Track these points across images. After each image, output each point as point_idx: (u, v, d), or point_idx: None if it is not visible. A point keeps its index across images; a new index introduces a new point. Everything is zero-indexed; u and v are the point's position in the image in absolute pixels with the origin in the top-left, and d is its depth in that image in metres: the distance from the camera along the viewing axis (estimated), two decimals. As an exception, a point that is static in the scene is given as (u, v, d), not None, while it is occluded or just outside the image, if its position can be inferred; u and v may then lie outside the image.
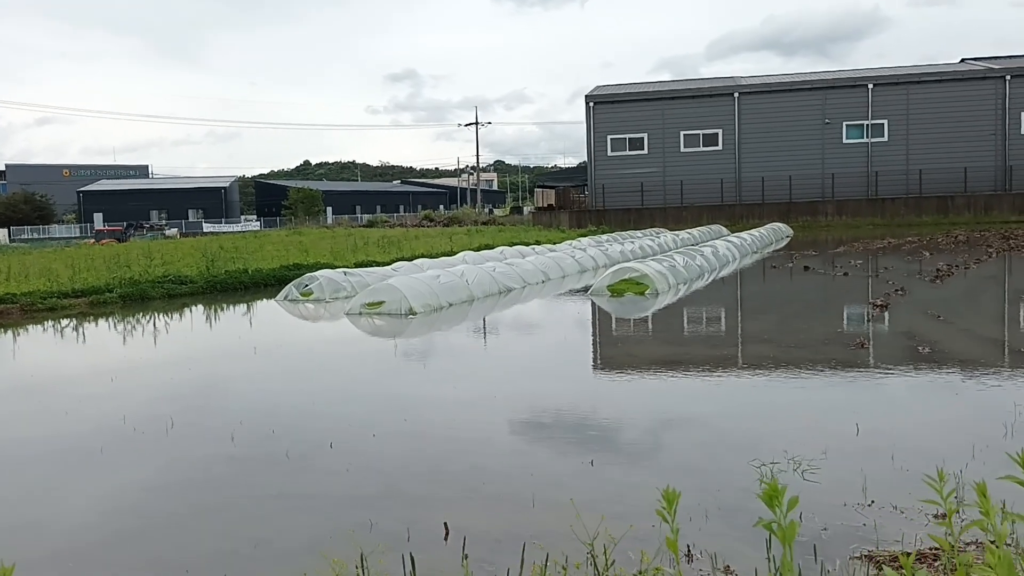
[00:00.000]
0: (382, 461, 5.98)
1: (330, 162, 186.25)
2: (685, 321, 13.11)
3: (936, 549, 3.95)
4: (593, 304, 14.94)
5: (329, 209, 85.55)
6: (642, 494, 5.10)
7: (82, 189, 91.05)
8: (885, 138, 45.51)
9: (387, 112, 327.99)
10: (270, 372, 9.78)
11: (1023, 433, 5.99)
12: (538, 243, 29.22)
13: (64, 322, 14.60)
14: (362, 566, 3.94)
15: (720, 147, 47.40)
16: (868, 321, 11.82)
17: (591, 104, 48.61)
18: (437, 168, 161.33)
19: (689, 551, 4.12)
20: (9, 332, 13.90)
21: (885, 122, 45.47)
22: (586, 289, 16.77)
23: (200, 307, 16.44)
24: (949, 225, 38.59)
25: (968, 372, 8.25)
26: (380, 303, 14.08)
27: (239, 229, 72.95)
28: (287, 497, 5.27)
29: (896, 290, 14.71)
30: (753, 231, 31.23)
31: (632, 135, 48.21)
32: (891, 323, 11.57)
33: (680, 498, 2.66)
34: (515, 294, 16.64)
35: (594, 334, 12.54)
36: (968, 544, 3.98)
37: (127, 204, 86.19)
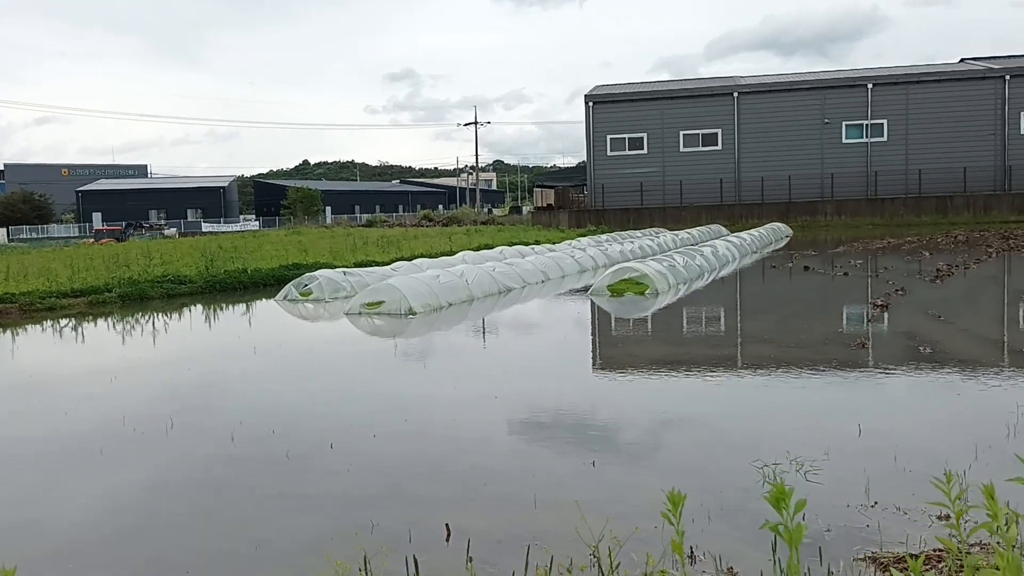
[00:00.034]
0: (383, 461, 5.96)
1: (329, 162, 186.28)
2: (685, 321, 13.10)
3: (940, 551, 3.93)
4: (593, 304, 14.93)
5: (328, 209, 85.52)
6: (643, 495, 5.09)
7: (81, 189, 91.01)
8: (884, 138, 45.52)
9: (386, 112, 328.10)
10: (270, 372, 9.76)
11: (1025, 434, 5.98)
12: (537, 243, 29.21)
13: (63, 322, 14.58)
14: (366, 569, 3.92)
15: (719, 147, 47.40)
16: (868, 321, 11.81)
17: (590, 104, 48.60)
18: (436, 168, 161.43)
19: (692, 552, 4.10)
20: (8, 332, 13.87)
21: (884, 122, 45.48)
22: (586, 289, 16.75)
23: (199, 307, 16.42)
24: (948, 225, 38.59)
25: (969, 372, 8.24)
26: (380, 303, 14.06)
27: (238, 229, 72.93)
28: (288, 497, 5.25)
29: (896, 290, 14.70)
30: (752, 231, 31.23)
31: (631, 135, 48.20)
32: (891, 323, 11.55)
33: (684, 500, 2.63)
34: (515, 294, 16.62)
35: (594, 334, 12.53)
36: (972, 546, 3.97)
37: (126, 204, 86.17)
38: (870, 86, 45.40)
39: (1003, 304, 14.22)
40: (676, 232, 33.20)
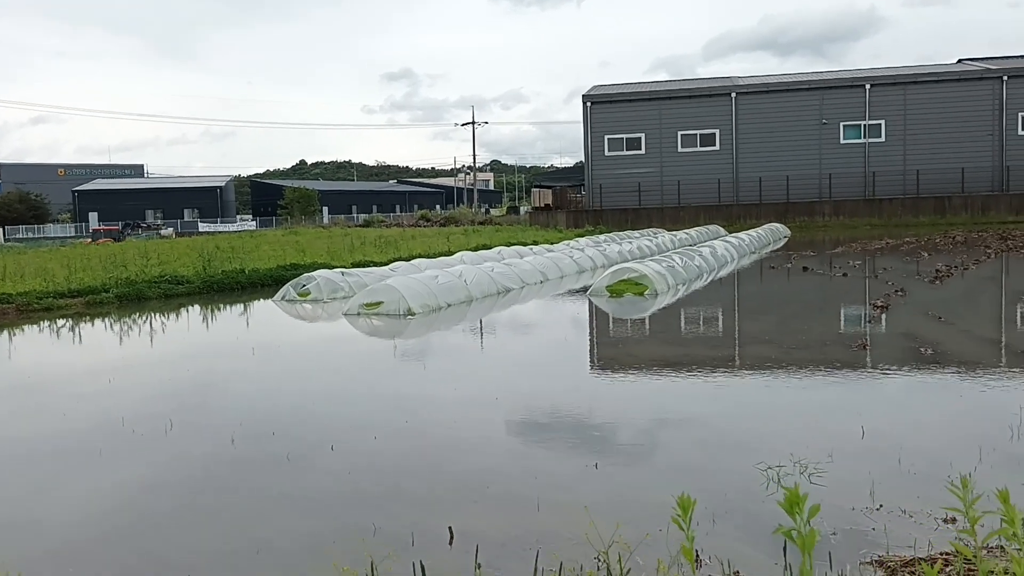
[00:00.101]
0: (384, 463, 5.92)
1: (326, 162, 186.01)
2: (685, 322, 13.07)
3: (948, 554, 3.90)
4: (593, 305, 14.90)
5: (325, 209, 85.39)
6: (647, 497, 5.06)
7: (77, 188, 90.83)
8: (882, 138, 45.55)
9: (383, 112, 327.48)
10: (269, 372, 9.71)
11: (1029, 435, 5.95)
12: (535, 243, 29.18)
13: (60, 322, 14.52)
14: (372, 575, 3.89)
15: (717, 147, 47.40)
16: (869, 322, 11.79)
17: (588, 104, 48.58)
18: (433, 168, 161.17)
19: (698, 556, 4.06)
20: (5, 332, 13.81)
21: (882, 122, 45.51)
22: (585, 289, 16.72)
23: (197, 307, 16.37)
24: (946, 226, 38.62)
25: (971, 374, 8.22)
26: (378, 303, 14.02)
27: (235, 229, 72.81)
28: (289, 499, 5.21)
29: (896, 291, 14.69)
30: (751, 231, 31.22)
31: (629, 135, 48.19)
32: (892, 324, 11.54)
33: (694, 505, 2.60)
34: (513, 294, 16.59)
35: (594, 335, 12.50)
36: (978, 550, 3.93)
37: (122, 204, 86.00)
38: (868, 86, 45.42)
39: (1003, 305, 14.21)
40: (674, 232, 33.18)
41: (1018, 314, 12.93)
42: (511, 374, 9.25)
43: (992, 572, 2.42)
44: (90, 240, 52.85)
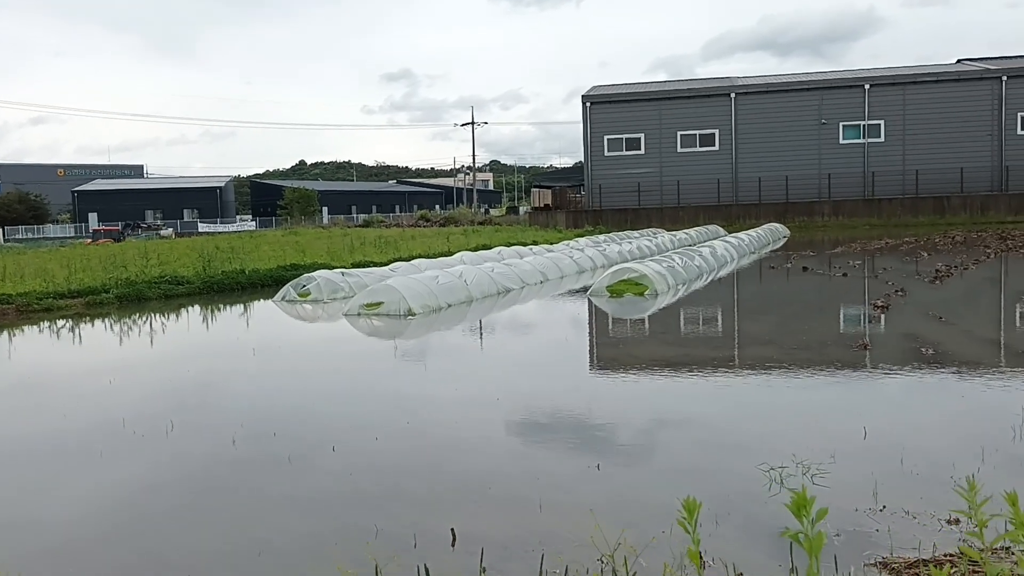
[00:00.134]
0: (385, 464, 5.91)
1: (326, 162, 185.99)
2: (686, 322, 13.06)
3: (952, 555, 3.90)
4: (593, 305, 14.89)
5: (325, 209, 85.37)
6: (649, 498, 5.05)
7: (77, 189, 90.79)
8: (882, 138, 45.56)
9: (383, 112, 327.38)
10: (270, 373, 9.70)
11: (1032, 436, 5.95)
12: (535, 243, 29.16)
13: (60, 323, 14.50)
14: None
15: (717, 147, 47.41)
16: (869, 322, 11.79)
17: (588, 104, 48.58)
18: (433, 168, 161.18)
19: (701, 558, 4.05)
20: (5, 333, 13.80)
21: (882, 122, 45.53)
22: (585, 290, 16.71)
23: (197, 308, 16.35)
24: (946, 226, 38.63)
25: (972, 374, 8.21)
26: (379, 304, 14.01)
27: (235, 229, 72.80)
28: (290, 500, 5.19)
29: (896, 291, 14.68)
30: (750, 231, 31.22)
31: (629, 135, 48.19)
32: (893, 324, 11.53)
33: (700, 508, 2.59)
34: (514, 295, 16.58)
35: (595, 335, 12.48)
36: (987, 552, 3.92)
37: (122, 204, 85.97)
38: (867, 87, 45.44)
39: (1004, 305, 14.21)
40: (674, 232, 33.18)
41: (1019, 314, 12.93)
42: (512, 374, 9.24)
43: (999, 575, 2.41)
44: (90, 240, 52.82)
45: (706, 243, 24.95)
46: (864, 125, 45.66)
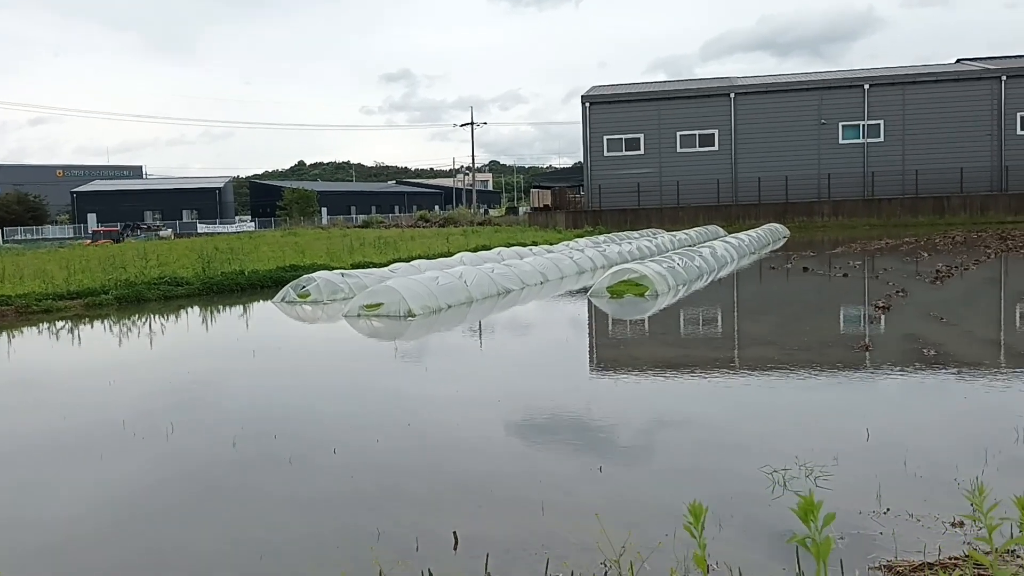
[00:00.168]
0: (386, 466, 5.89)
1: (325, 162, 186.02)
2: (687, 323, 13.04)
3: (956, 559, 3.88)
4: (594, 306, 14.87)
5: (324, 210, 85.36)
6: (652, 501, 5.03)
7: (76, 190, 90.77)
8: (881, 138, 45.56)
9: (382, 112, 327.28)
10: (270, 374, 9.68)
11: (1035, 438, 5.93)
12: (535, 244, 29.14)
13: (60, 324, 14.48)
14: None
15: (716, 147, 47.41)
16: (871, 323, 11.77)
17: (587, 104, 48.57)
18: (432, 168, 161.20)
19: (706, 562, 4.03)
20: (4, 334, 13.77)
21: (881, 122, 45.53)
22: (585, 290, 16.70)
23: (197, 309, 16.33)
24: (945, 226, 38.63)
25: (974, 375, 8.19)
26: (378, 305, 13.99)
27: (234, 230, 72.76)
28: (292, 503, 5.17)
29: (897, 291, 14.66)
30: (750, 232, 31.21)
31: (628, 135, 48.18)
32: (894, 325, 11.51)
33: (706, 512, 2.57)
34: (514, 295, 16.56)
35: (596, 336, 12.46)
36: (996, 557, 3.91)
37: (121, 205, 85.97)
38: (867, 87, 45.44)
39: (1005, 306, 14.20)
40: (674, 233, 33.17)
41: (1020, 315, 12.91)
42: (513, 375, 9.22)
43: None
44: (89, 241, 52.79)
45: (706, 243, 24.94)
46: (864, 125, 45.66)
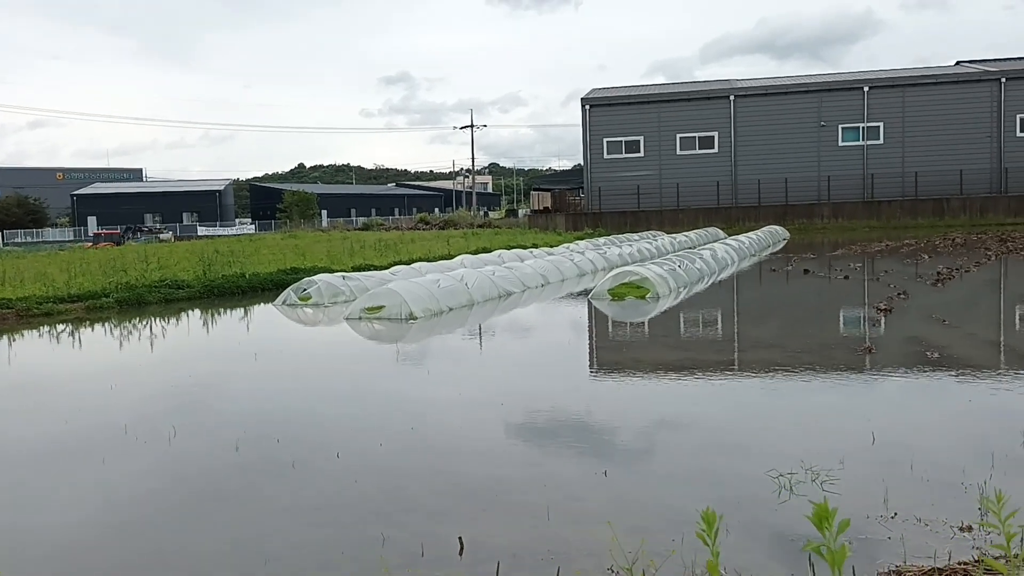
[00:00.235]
0: (390, 471, 5.86)
1: (324, 165, 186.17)
2: (689, 325, 13.03)
3: (966, 563, 3.86)
4: (595, 308, 14.85)
5: (324, 212, 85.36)
6: (659, 505, 5.01)
7: (76, 192, 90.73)
8: (881, 141, 45.57)
9: (381, 115, 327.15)
10: (272, 378, 9.65)
11: (1041, 441, 5.91)
12: (535, 246, 29.12)
13: (61, 327, 14.45)
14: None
15: (716, 150, 47.40)
16: (873, 325, 11.75)
17: (587, 107, 48.57)
18: (431, 171, 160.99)
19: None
20: (5, 338, 13.74)
21: (881, 125, 45.53)
22: (586, 293, 16.68)
23: (198, 312, 16.30)
24: (945, 228, 38.62)
25: (978, 378, 8.18)
26: (380, 308, 13.97)
27: (234, 232, 72.71)
28: (296, 509, 5.15)
29: (898, 294, 14.65)
30: (750, 234, 31.20)
31: (628, 138, 48.18)
32: (896, 328, 11.49)
33: (719, 520, 2.55)
34: (515, 298, 16.53)
35: (598, 339, 12.44)
36: (1013, 563, 3.89)
37: (121, 207, 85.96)
38: (866, 89, 45.45)
39: (1007, 308, 14.18)
40: (674, 235, 33.17)
41: (1022, 317, 12.89)
42: (516, 379, 9.20)
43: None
44: (91, 244, 52.76)
45: (706, 246, 24.93)
46: (863, 127, 45.67)
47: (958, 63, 51.41)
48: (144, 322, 15.02)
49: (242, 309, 16.71)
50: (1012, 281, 18.11)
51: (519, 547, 4.39)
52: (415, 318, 13.43)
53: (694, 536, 3.86)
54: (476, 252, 25.31)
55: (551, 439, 6.56)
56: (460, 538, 4.46)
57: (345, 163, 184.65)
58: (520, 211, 77.98)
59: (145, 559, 4.54)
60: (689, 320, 13.54)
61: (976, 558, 3.89)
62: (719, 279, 19.29)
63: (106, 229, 65.96)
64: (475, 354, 11.18)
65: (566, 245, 27.79)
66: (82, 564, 4.57)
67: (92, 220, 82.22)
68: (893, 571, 3.88)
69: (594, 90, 52.34)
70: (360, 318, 13.72)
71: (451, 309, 14.44)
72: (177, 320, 15.33)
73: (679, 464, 5.92)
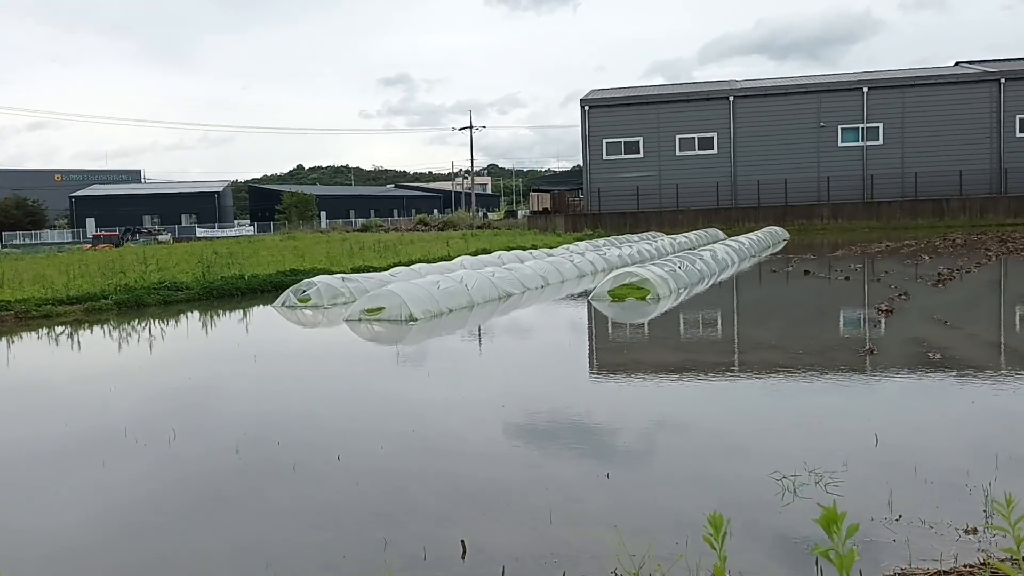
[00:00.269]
0: (391, 473, 5.84)
1: (323, 166, 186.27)
2: (690, 327, 13.00)
3: (971, 566, 3.83)
4: (596, 309, 14.83)
5: (323, 213, 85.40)
6: (662, 507, 4.99)
7: (74, 194, 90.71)
8: (880, 141, 45.57)
9: (380, 116, 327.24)
10: (272, 380, 9.62)
11: (1045, 442, 5.89)
12: (535, 247, 29.10)
13: (60, 329, 14.42)
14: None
15: (715, 151, 47.40)
16: (874, 326, 11.72)
17: (586, 108, 48.57)
18: (431, 172, 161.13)
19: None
20: (3, 340, 13.71)
21: (880, 125, 45.54)
22: (586, 294, 16.66)
23: (197, 314, 16.27)
24: (945, 228, 38.62)
25: (980, 379, 8.15)
26: (380, 309, 13.94)
27: (233, 234, 72.65)
28: (297, 512, 5.12)
29: (899, 295, 14.63)
30: (750, 235, 31.18)
31: (627, 139, 48.17)
32: (898, 329, 11.47)
33: (727, 524, 2.52)
34: (515, 299, 16.51)
35: (599, 340, 12.42)
36: (1003, 561, 3.86)
37: (120, 209, 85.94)
38: (866, 90, 45.46)
39: (1008, 309, 14.16)
40: (673, 236, 33.14)
41: (1023, 317, 12.88)
42: (516, 380, 9.17)
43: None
44: (90, 246, 52.74)
45: (706, 247, 24.91)
46: (863, 128, 45.68)
47: (957, 63, 51.43)
48: (143, 324, 14.99)
49: (241, 311, 16.67)
50: (1013, 282, 18.09)
51: (521, 550, 4.36)
52: (415, 319, 13.40)
53: (697, 539, 3.85)
54: (475, 253, 25.29)
55: (552, 441, 6.54)
56: (463, 541, 4.43)
57: (344, 164, 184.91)
58: (519, 212, 78.01)
59: (145, 561, 4.51)
60: (690, 321, 13.52)
61: (982, 561, 3.86)
62: (719, 280, 19.28)
63: (105, 231, 65.99)
64: (475, 355, 11.16)
65: (565, 246, 27.77)
66: (82, 566, 4.55)
67: (91, 222, 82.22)
68: (899, 574, 3.86)
69: (593, 91, 52.34)
70: (360, 320, 13.70)
71: (451, 310, 14.42)
72: (176, 322, 15.30)
73: (681, 466, 5.89)
